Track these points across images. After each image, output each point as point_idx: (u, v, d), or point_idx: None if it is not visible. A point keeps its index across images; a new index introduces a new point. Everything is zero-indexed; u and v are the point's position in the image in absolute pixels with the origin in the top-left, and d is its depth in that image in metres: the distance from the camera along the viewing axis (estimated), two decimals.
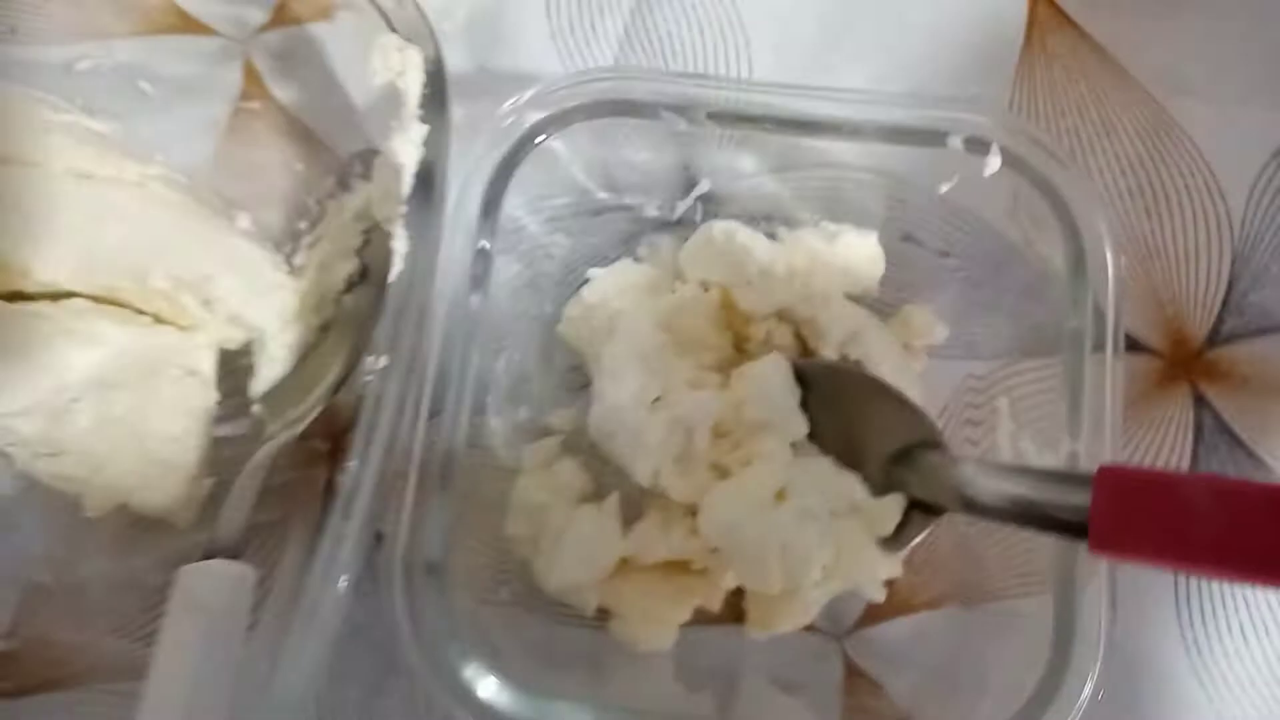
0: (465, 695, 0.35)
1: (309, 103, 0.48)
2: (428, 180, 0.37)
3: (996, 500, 0.34)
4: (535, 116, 0.39)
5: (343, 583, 0.33)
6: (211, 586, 0.33)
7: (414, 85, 0.37)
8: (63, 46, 0.49)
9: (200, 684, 0.32)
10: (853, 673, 0.41)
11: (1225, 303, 0.44)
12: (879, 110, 0.38)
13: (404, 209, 0.37)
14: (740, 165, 0.45)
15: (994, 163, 0.37)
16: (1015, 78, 0.47)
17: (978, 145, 0.38)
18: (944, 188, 0.40)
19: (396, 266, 0.36)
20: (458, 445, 0.37)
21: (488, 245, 0.38)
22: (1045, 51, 0.47)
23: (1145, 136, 0.46)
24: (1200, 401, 0.43)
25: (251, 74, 0.49)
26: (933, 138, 0.38)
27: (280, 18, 0.49)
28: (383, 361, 0.35)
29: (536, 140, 0.40)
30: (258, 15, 0.49)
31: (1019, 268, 0.41)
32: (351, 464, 0.35)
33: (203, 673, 0.32)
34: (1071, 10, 0.47)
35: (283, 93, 0.48)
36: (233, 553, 0.35)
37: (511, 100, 0.39)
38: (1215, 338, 0.44)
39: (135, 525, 0.42)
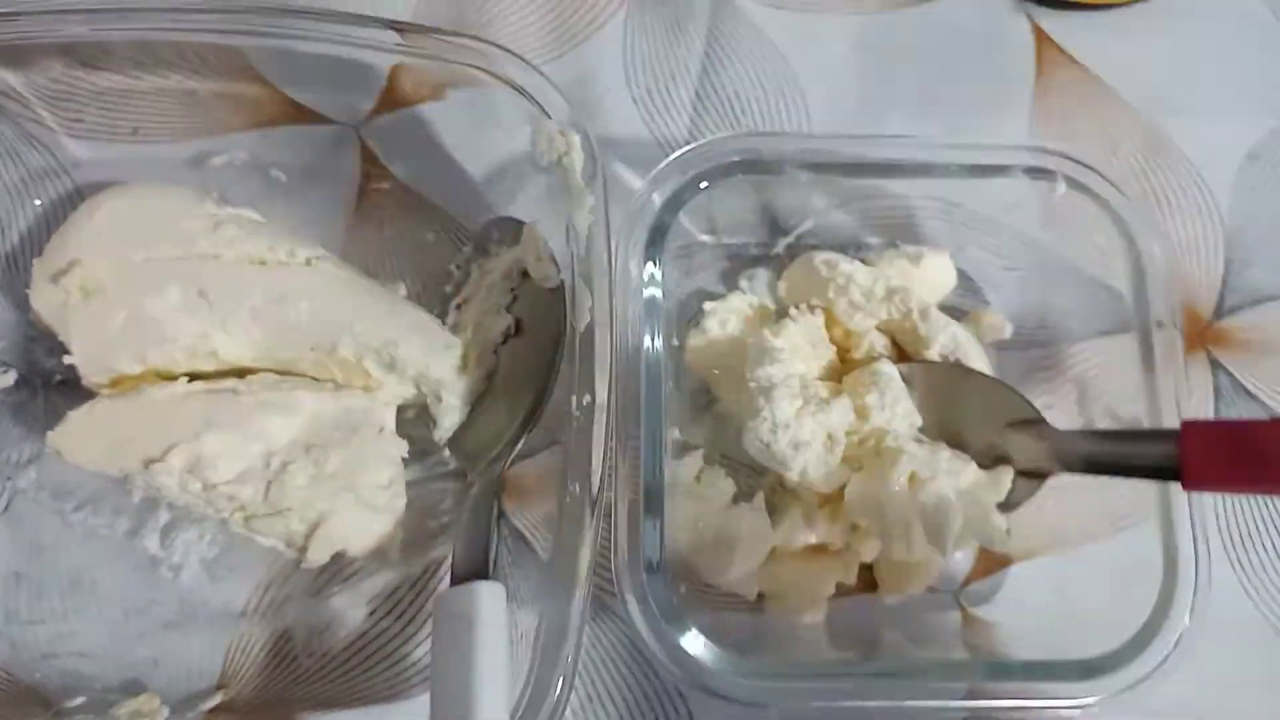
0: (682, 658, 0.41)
1: (427, 178, 0.53)
2: (596, 241, 0.43)
3: (1100, 458, 0.42)
4: (676, 180, 0.46)
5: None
6: (474, 603, 0.39)
7: (577, 162, 0.44)
8: (185, 143, 0.53)
9: (483, 687, 0.37)
10: (969, 620, 0.49)
11: (1224, 282, 0.53)
12: (958, 153, 0.46)
13: (585, 267, 0.43)
14: (813, 204, 0.53)
15: (1060, 188, 0.45)
16: (1033, 110, 0.56)
17: (1039, 173, 0.46)
18: (1007, 211, 0.49)
19: (584, 318, 0.43)
20: (653, 465, 0.43)
21: (657, 294, 0.45)
22: (1055, 86, 0.56)
23: (1145, 152, 0.55)
24: (1215, 365, 0.52)
25: (368, 156, 0.54)
26: (998, 170, 0.47)
27: (388, 102, 0.54)
28: (585, 400, 0.42)
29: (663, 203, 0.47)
30: (366, 101, 0.54)
31: (1068, 271, 0.50)
32: (573, 487, 0.41)
33: (483, 677, 0.37)
34: (1071, 48, 0.56)
35: (401, 170, 0.54)
36: (482, 574, 0.40)
37: (654, 170, 0.46)
38: (1220, 312, 0.53)
39: (330, 568, 0.47)
